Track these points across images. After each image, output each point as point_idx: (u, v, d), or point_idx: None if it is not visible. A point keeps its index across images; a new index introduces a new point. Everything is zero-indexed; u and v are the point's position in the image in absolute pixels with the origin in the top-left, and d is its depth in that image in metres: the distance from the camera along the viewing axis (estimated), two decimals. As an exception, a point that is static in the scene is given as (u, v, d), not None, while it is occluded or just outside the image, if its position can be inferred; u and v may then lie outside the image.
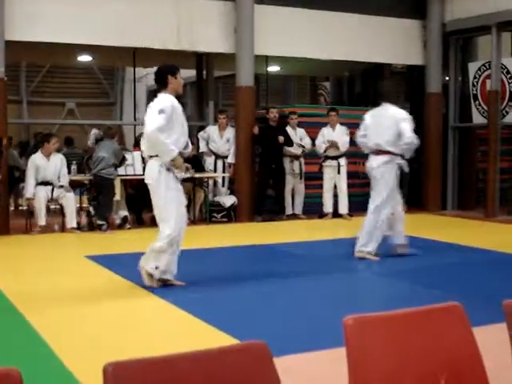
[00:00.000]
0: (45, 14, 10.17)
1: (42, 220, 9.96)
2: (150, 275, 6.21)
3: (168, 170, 6.16)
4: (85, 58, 14.99)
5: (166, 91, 6.25)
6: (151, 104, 6.27)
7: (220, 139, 12.06)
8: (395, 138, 7.68)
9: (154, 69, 6.63)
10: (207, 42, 11.50)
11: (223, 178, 12.08)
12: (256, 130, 11.50)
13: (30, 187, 10.03)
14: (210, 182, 11.87)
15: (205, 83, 14.02)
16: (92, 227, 10.26)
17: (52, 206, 10.58)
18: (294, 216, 12.03)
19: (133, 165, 10.55)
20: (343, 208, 11.86)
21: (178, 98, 6.40)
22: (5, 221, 10.06)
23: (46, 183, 10.08)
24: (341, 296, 6.23)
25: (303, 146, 11.95)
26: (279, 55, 12.57)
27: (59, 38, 10.44)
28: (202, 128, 12.72)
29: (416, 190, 12.91)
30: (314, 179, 12.15)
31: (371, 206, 7.90)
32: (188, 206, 11.18)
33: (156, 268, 6.20)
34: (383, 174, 7.75)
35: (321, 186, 11.91)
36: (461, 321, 2.31)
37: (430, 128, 12.82)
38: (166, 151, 6.08)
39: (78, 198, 10.62)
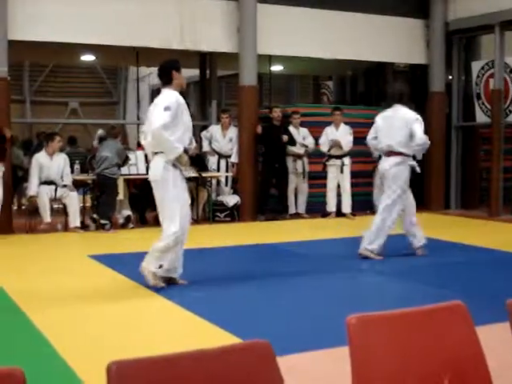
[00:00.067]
0: (48, 13, 10.18)
1: (47, 217, 9.98)
2: (154, 274, 6.16)
3: (174, 166, 6.15)
4: (88, 57, 15.00)
5: (171, 87, 6.22)
6: (156, 100, 6.23)
7: (223, 139, 12.05)
8: (407, 139, 7.70)
9: (157, 68, 6.59)
10: (210, 42, 11.50)
11: (226, 177, 12.08)
12: (259, 129, 11.50)
13: (33, 186, 10.04)
14: (213, 181, 11.86)
15: (208, 83, 14.02)
16: (96, 227, 10.26)
17: (55, 206, 10.59)
18: (297, 215, 12.04)
19: (136, 164, 10.55)
20: (346, 207, 11.86)
21: (182, 94, 6.38)
22: (8, 220, 10.07)
23: (49, 182, 10.09)
24: (344, 295, 6.23)
25: (306, 146, 11.95)
26: (282, 54, 12.57)
27: (62, 37, 10.45)
28: (204, 127, 12.72)
29: (419, 189, 12.89)
30: (317, 178, 12.15)
31: (381, 205, 7.91)
32: (191, 206, 11.19)
33: (160, 267, 6.17)
34: (395, 175, 7.76)
35: (324, 185, 11.91)
36: (464, 320, 2.31)
37: (433, 127, 12.79)
38: (170, 149, 6.06)
39: (82, 198, 10.63)
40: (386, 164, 7.87)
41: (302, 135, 11.97)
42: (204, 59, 13.88)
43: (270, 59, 13.87)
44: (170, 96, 6.13)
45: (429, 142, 7.91)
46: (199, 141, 12.15)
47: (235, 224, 11.37)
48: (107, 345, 4.67)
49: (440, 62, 12.98)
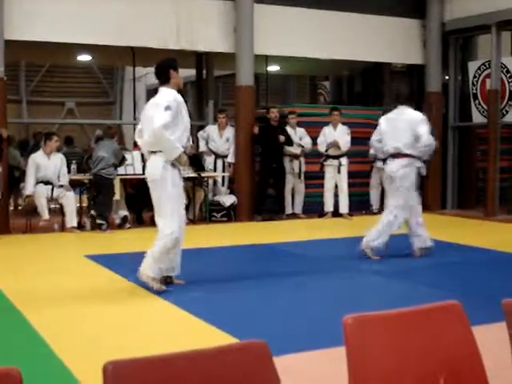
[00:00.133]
0: (44, 13, 10.17)
1: (45, 214, 10.00)
2: (154, 278, 6.09)
3: (173, 166, 6.12)
4: (84, 57, 14.99)
5: (169, 86, 6.18)
6: (154, 99, 6.19)
7: (220, 139, 12.06)
8: (413, 140, 7.68)
9: (154, 68, 6.55)
10: (207, 42, 11.50)
11: (223, 177, 12.08)
12: (256, 129, 11.50)
13: (29, 185, 10.05)
14: (210, 181, 11.87)
15: (204, 83, 14.02)
16: (92, 227, 10.26)
17: (52, 206, 10.58)
18: (293, 215, 12.04)
19: (132, 164, 10.55)
20: (344, 207, 11.86)
21: (180, 93, 6.35)
22: (5, 220, 10.06)
23: (45, 182, 10.09)
24: (341, 295, 6.23)
25: (303, 146, 11.95)
26: (279, 55, 12.57)
27: (59, 37, 10.44)
28: (201, 127, 12.72)
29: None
30: (314, 178, 12.15)
31: (389, 207, 7.89)
32: (188, 206, 11.20)
33: (159, 269, 6.14)
34: (403, 177, 7.76)
35: (321, 186, 11.91)
36: (460, 320, 2.31)
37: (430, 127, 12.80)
38: (171, 149, 6.03)
39: (78, 198, 10.62)
40: (392, 166, 7.85)
41: (298, 135, 11.97)
42: (200, 59, 13.88)
43: (267, 59, 13.88)
44: (168, 95, 6.10)
45: (435, 143, 7.92)
46: (196, 141, 12.15)
47: (232, 224, 11.37)
48: (104, 345, 4.67)
49: (436, 62, 13.00)
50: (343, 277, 7.06)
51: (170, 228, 6.08)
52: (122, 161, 10.29)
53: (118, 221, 10.65)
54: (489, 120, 12.12)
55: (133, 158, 10.55)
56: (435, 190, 12.99)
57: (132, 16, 10.77)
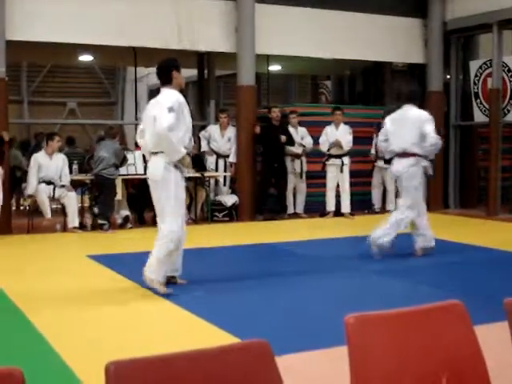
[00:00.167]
0: (45, 13, 10.18)
1: (48, 213, 10.02)
2: (160, 282, 6.05)
3: (175, 167, 6.09)
4: (86, 57, 15.01)
5: (171, 86, 6.15)
6: (158, 99, 6.14)
7: (221, 138, 12.06)
8: (419, 139, 7.68)
9: (155, 68, 6.53)
10: (208, 42, 11.50)
11: (224, 177, 12.08)
12: (258, 129, 11.50)
13: (31, 185, 10.06)
14: (212, 181, 11.87)
15: (206, 82, 14.03)
16: (94, 226, 10.27)
17: (53, 206, 10.59)
18: (295, 215, 12.04)
19: (134, 164, 10.55)
20: (345, 207, 11.85)
21: (181, 93, 6.33)
22: (7, 220, 10.07)
23: (47, 182, 10.10)
24: (342, 295, 6.23)
25: (304, 145, 11.94)
26: (280, 54, 12.57)
27: (60, 37, 10.45)
28: (203, 127, 12.72)
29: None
30: (316, 178, 12.15)
31: (400, 207, 7.90)
32: (190, 205, 11.21)
33: (164, 272, 6.10)
34: (410, 177, 7.76)
35: (322, 185, 11.90)
36: (462, 319, 2.31)
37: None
38: (174, 151, 6.00)
39: (80, 198, 10.63)
40: (399, 166, 7.85)
41: (300, 135, 11.97)
42: (202, 59, 13.88)
43: (268, 59, 13.88)
44: (171, 96, 6.06)
45: (441, 142, 7.91)
46: (197, 141, 12.15)
47: (233, 224, 11.37)
48: (106, 345, 4.68)
49: (438, 62, 12.99)
50: (345, 276, 7.06)
51: (171, 230, 6.06)
52: (123, 161, 10.30)
53: (119, 221, 10.65)
54: (490, 119, 12.11)
55: (134, 157, 10.55)
56: (437, 189, 12.98)
57: (133, 16, 10.77)
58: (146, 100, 20.26)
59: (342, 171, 11.75)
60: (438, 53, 12.97)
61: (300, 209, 12.15)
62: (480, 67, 12.64)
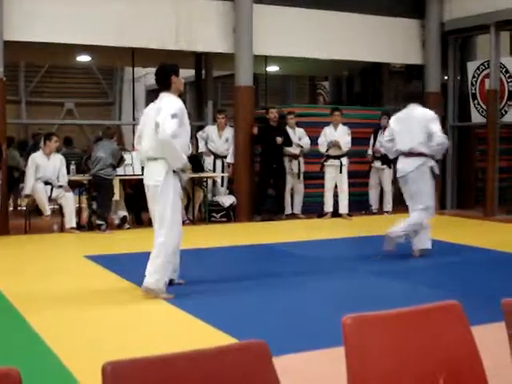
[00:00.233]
0: (43, 13, 10.17)
1: (46, 210, 10.02)
2: (160, 290, 5.97)
3: (174, 172, 6.04)
4: (84, 58, 15.00)
5: (170, 91, 6.08)
6: (158, 105, 6.04)
7: (219, 139, 12.06)
8: (426, 139, 7.67)
9: (153, 69, 6.49)
10: (206, 42, 11.50)
11: (222, 177, 12.08)
12: (255, 130, 11.51)
13: (29, 185, 10.05)
14: (209, 181, 11.87)
15: (204, 83, 14.03)
16: (91, 227, 10.26)
17: (51, 206, 10.58)
18: (292, 215, 12.04)
19: (132, 165, 10.55)
20: (343, 208, 11.85)
21: (179, 96, 6.31)
22: (4, 221, 10.07)
23: (45, 183, 10.10)
24: (340, 295, 6.23)
25: (301, 146, 11.94)
26: (278, 55, 12.57)
27: (58, 38, 10.44)
28: (200, 128, 12.72)
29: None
30: (314, 178, 12.15)
31: (417, 208, 7.87)
32: (187, 206, 11.21)
33: (164, 283, 6.00)
34: (417, 177, 7.76)
35: (320, 186, 11.91)
36: (459, 319, 2.31)
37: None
38: (178, 158, 5.96)
39: (77, 198, 10.62)
40: (404, 165, 7.82)
41: (297, 135, 11.97)
42: (200, 59, 13.89)
43: (266, 60, 13.89)
44: (174, 103, 5.98)
45: (448, 141, 7.90)
46: (195, 141, 12.15)
47: (231, 224, 11.37)
48: (103, 345, 4.67)
49: (436, 63, 13.01)
50: (343, 277, 7.06)
51: (169, 243, 5.99)
52: (120, 161, 10.29)
53: (117, 221, 10.65)
54: (488, 120, 12.13)
55: (132, 158, 10.55)
56: (435, 190, 12.96)
57: (131, 16, 10.77)
58: (144, 100, 20.32)
59: (341, 172, 11.75)
60: (435, 54, 12.99)
61: (298, 209, 12.15)
62: (478, 68, 12.66)
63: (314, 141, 11.89)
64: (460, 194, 13.25)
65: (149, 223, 9.98)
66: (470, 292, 6.14)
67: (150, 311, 5.71)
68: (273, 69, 15.76)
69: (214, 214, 11.57)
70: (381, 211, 12.47)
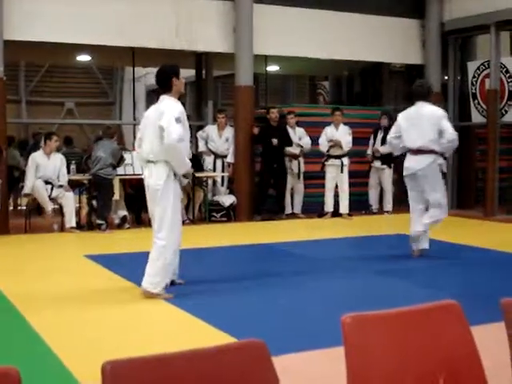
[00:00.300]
0: (44, 13, 10.17)
1: (48, 207, 10.01)
2: (159, 293, 5.95)
3: (175, 176, 6.02)
4: (84, 57, 15.00)
5: (171, 94, 6.03)
6: (160, 108, 5.97)
7: (219, 139, 12.06)
8: (437, 136, 7.65)
9: (153, 69, 6.48)
10: (206, 42, 11.50)
11: (222, 177, 12.08)
12: (256, 130, 11.51)
13: (29, 184, 10.05)
14: (210, 181, 11.88)
15: (204, 83, 14.03)
16: (91, 227, 10.26)
17: (51, 206, 10.58)
18: (293, 215, 12.03)
19: (132, 164, 10.55)
20: (344, 208, 11.84)
21: (179, 98, 6.29)
22: (4, 220, 10.07)
23: (45, 182, 10.09)
24: (340, 295, 6.23)
25: (301, 146, 11.94)
26: (278, 55, 12.57)
27: (58, 37, 10.44)
28: (200, 127, 12.72)
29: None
30: (315, 178, 12.15)
31: (435, 204, 7.87)
32: (187, 206, 11.21)
33: (165, 286, 5.99)
34: (431, 174, 7.75)
35: (320, 186, 11.90)
36: (459, 319, 2.31)
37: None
38: (183, 164, 5.97)
39: (77, 198, 10.62)
40: (414, 164, 7.77)
41: (298, 135, 11.97)
42: (200, 59, 13.88)
43: (266, 59, 13.88)
44: (176, 106, 5.93)
45: (458, 139, 7.89)
46: (195, 141, 12.16)
47: (231, 224, 11.37)
48: (103, 345, 4.67)
49: (436, 62, 13.01)
50: (343, 277, 7.06)
51: (170, 238, 5.97)
52: (120, 161, 10.28)
53: (117, 221, 10.65)
54: (488, 120, 12.13)
55: (132, 158, 10.55)
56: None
57: (131, 16, 10.77)
58: (144, 100, 20.32)
59: (342, 171, 11.74)
60: (435, 54, 12.99)
61: (298, 209, 12.15)
62: (478, 68, 12.65)
63: (314, 141, 11.89)
64: (460, 193, 13.24)
65: (149, 223, 10.00)
66: (470, 292, 6.14)
67: (150, 311, 5.71)
68: (273, 68, 15.76)
69: (214, 214, 11.57)
70: (381, 211, 12.47)
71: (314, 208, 12.15)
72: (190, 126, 6.40)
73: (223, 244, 9.19)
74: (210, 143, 12.11)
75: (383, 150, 12.10)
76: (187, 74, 14.04)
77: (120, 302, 5.96)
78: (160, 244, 5.97)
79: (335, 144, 11.66)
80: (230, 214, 11.62)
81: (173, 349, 2.01)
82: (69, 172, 10.47)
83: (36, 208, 10.45)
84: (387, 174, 12.27)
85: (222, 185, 12.10)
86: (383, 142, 12.15)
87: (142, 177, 6.33)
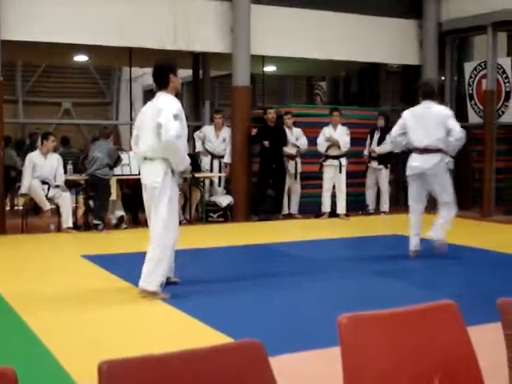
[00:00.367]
0: (41, 13, 10.16)
1: (46, 205, 9.99)
2: (156, 292, 5.93)
3: (172, 173, 6.00)
4: (81, 57, 15.00)
5: (168, 91, 6.02)
6: (157, 104, 5.95)
7: (216, 139, 12.05)
8: (445, 135, 7.66)
9: (151, 69, 6.42)
10: (204, 42, 11.50)
11: (219, 177, 12.08)
12: (254, 131, 11.51)
13: (25, 184, 10.03)
14: (207, 181, 11.86)
15: (201, 83, 14.02)
16: (88, 227, 10.25)
17: (49, 205, 10.58)
18: (289, 216, 12.03)
19: (129, 164, 10.54)
20: (341, 208, 11.85)
21: (176, 96, 6.26)
22: (1, 220, 10.05)
23: (42, 182, 10.08)
24: (337, 295, 6.23)
25: (297, 146, 11.93)
26: (276, 55, 12.57)
27: (55, 37, 10.43)
28: (198, 128, 12.71)
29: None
30: (311, 179, 12.15)
31: (445, 202, 7.95)
32: (184, 206, 11.20)
33: (161, 284, 5.97)
34: (440, 173, 7.78)
35: (318, 186, 11.90)
36: (455, 319, 2.31)
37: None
38: (182, 160, 5.96)
39: (74, 198, 10.61)
40: (422, 163, 7.77)
41: (295, 136, 11.97)
42: (197, 59, 13.88)
43: (264, 60, 13.88)
44: (173, 103, 5.92)
45: (465, 137, 7.91)
46: (192, 141, 12.15)
47: (228, 224, 11.37)
48: (100, 345, 4.67)
49: (433, 63, 13.01)
50: (339, 277, 7.06)
51: (167, 237, 5.95)
52: (117, 161, 10.28)
53: (114, 221, 10.64)
54: (485, 120, 12.13)
55: (129, 158, 10.53)
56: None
57: (129, 16, 10.76)
58: (141, 100, 20.28)
59: (340, 172, 11.75)
60: (432, 54, 13.00)
61: (294, 209, 12.15)
62: (475, 69, 12.67)
63: (311, 141, 11.89)
64: (457, 194, 13.15)
65: (146, 223, 10.00)
66: (467, 292, 6.15)
67: (147, 311, 5.70)
68: (270, 69, 15.76)
69: (211, 214, 11.56)
70: (378, 211, 12.48)
71: (310, 208, 12.16)
72: (187, 126, 6.40)
73: (220, 244, 9.18)
74: (206, 143, 12.10)
75: (379, 150, 12.14)
76: (184, 74, 14.05)
77: (117, 302, 5.95)
78: (157, 242, 5.95)
79: (333, 144, 11.67)
80: (227, 215, 11.62)
81: (170, 349, 2.01)
82: (66, 172, 10.46)
83: (33, 208, 10.44)
84: (384, 175, 12.28)
85: (219, 185, 12.10)
86: (380, 142, 12.18)
87: (139, 177, 6.30)
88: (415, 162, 7.83)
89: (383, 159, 12.13)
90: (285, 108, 13.01)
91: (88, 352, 4.46)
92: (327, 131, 11.78)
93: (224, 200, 11.66)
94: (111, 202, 10.40)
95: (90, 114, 22.64)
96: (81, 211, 10.61)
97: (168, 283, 6.20)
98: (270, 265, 7.81)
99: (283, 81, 21.34)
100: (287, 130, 11.86)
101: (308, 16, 12.07)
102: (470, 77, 12.75)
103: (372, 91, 15.25)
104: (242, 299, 6.04)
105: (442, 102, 8.29)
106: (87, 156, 10.46)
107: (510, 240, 9.71)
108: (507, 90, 12.06)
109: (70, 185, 10.49)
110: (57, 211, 10.28)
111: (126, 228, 10.54)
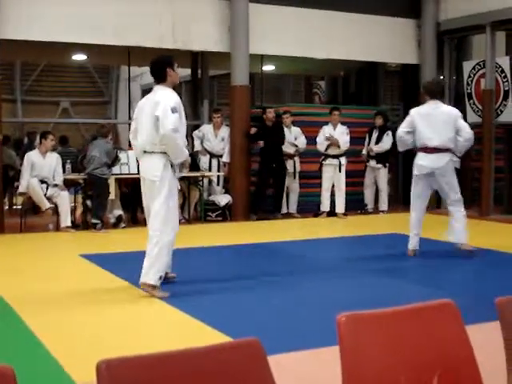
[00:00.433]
0: (39, 12, 10.15)
1: (45, 204, 9.96)
2: (156, 287, 5.92)
3: (171, 167, 6.00)
4: (80, 56, 14.98)
5: (165, 84, 6.04)
6: (155, 98, 5.96)
7: (215, 138, 12.05)
8: (454, 134, 7.67)
9: (149, 65, 6.40)
10: (202, 41, 11.49)
11: (218, 176, 12.08)
12: (253, 131, 11.52)
13: (24, 183, 10.02)
14: (205, 180, 11.86)
15: (200, 82, 14.03)
16: (87, 226, 10.25)
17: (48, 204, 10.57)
18: (288, 215, 12.03)
19: (127, 164, 10.53)
20: (340, 207, 11.84)
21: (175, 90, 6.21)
22: (-1, 220, 10.06)
23: (40, 181, 10.07)
24: (335, 294, 6.23)
25: (296, 145, 11.93)
26: (274, 54, 12.57)
27: (54, 36, 10.42)
28: (196, 127, 12.71)
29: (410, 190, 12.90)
30: (310, 178, 12.15)
31: (452, 201, 8.02)
32: (183, 205, 11.20)
33: (160, 278, 5.96)
34: (449, 173, 7.81)
35: (317, 185, 11.90)
36: (454, 318, 2.31)
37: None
38: (180, 152, 5.94)
39: (73, 197, 10.60)
40: (430, 163, 7.75)
41: (293, 135, 11.97)
42: (196, 59, 13.88)
43: (262, 59, 13.88)
44: (171, 96, 5.95)
45: (473, 137, 7.93)
46: (191, 140, 12.15)
47: (227, 223, 11.37)
48: (99, 345, 4.66)
49: (431, 62, 13.02)
50: (338, 276, 7.06)
51: (166, 231, 5.95)
52: (115, 160, 10.27)
53: (112, 220, 10.63)
54: (483, 120, 12.14)
55: (128, 157, 10.53)
56: (433, 190, 12.97)
57: (127, 16, 10.75)
58: (140, 99, 20.26)
59: (340, 171, 11.74)
60: (431, 53, 13.00)
61: (293, 209, 12.15)
62: (473, 68, 12.67)
63: (310, 140, 11.89)
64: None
65: (144, 222, 9.99)
66: (465, 291, 6.15)
67: (145, 310, 5.70)
68: (269, 68, 15.75)
69: (210, 214, 11.56)
70: (376, 210, 12.48)
71: (309, 207, 12.16)
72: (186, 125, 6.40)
73: (218, 243, 9.18)
74: (205, 143, 12.10)
75: (377, 149, 12.14)
76: (183, 73, 14.04)
77: (115, 301, 5.95)
78: (156, 236, 5.95)
79: (333, 143, 11.66)
80: (226, 214, 11.61)
81: (168, 348, 2.01)
82: (64, 171, 10.45)
83: (31, 207, 10.43)
84: (383, 174, 12.29)
85: (218, 184, 12.10)
86: (378, 141, 12.19)
87: (138, 176, 6.29)
88: (423, 162, 7.80)
89: (381, 158, 12.13)
90: (283, 107, 13.00)
91: (87, 352, 4.45)
92: (327, 130, 11.78)
93: (223, 199, 11.66)
94: (110, 201, 10.40)
95: (89, 113, 22.62)
96: (79, 210, 10.62)
97: (166, 279, 6.19)
98: (268, 264, 7.81)
99: (282, 80, 21.34)
100: (286, 129, 11.86)
101: (306, 15, 12.07)
102: (469, 76, 12.75)
103: (370, 90, 15.25)
104: (241, 298, 6.03)
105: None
106: (86, 155, 10.45)
107: (509, 239, 9.72)
108: (506, 89, 12.05)
109: (68, 184, 10.48)
110: (55, 210, 10.27)
111: (124, 227, 10.54)
